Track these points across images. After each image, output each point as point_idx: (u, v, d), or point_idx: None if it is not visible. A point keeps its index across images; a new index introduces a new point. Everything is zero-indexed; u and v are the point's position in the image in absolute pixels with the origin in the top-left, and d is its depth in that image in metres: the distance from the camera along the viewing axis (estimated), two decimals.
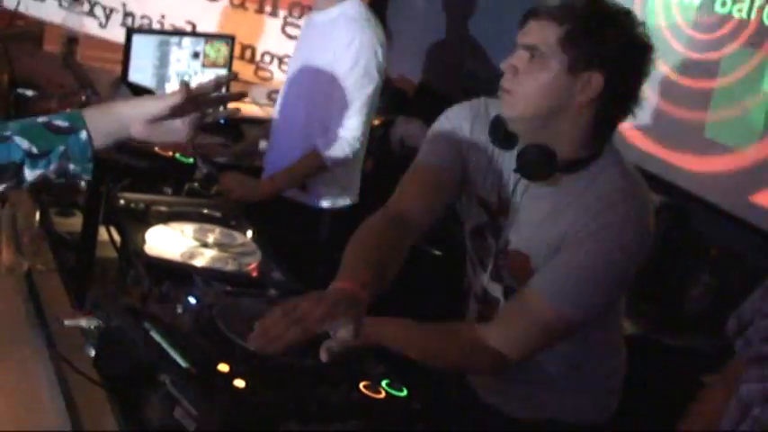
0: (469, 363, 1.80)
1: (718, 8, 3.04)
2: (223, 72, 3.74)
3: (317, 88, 2.95)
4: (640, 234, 1.70)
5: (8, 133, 1.37)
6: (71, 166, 1.40)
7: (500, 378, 1.90)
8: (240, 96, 1.73)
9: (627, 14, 1.68)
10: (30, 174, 1.37)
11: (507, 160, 1.79)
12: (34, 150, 1.37)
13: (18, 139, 1.37)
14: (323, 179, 3.00)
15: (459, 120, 1.87)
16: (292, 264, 2.04)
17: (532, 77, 1.66)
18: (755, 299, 1.42)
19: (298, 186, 3.01)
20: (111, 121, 1.46)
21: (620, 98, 1.70)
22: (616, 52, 1.65)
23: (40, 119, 1.40)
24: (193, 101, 1.51)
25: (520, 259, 1.77)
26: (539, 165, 1.70)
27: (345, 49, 2.85)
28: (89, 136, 1.40)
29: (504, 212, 1.81)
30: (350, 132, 2.90)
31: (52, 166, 1.38)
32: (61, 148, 1.38)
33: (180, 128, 1.51)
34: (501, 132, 1.76)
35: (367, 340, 1.53)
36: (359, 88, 2.88)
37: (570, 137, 1.71)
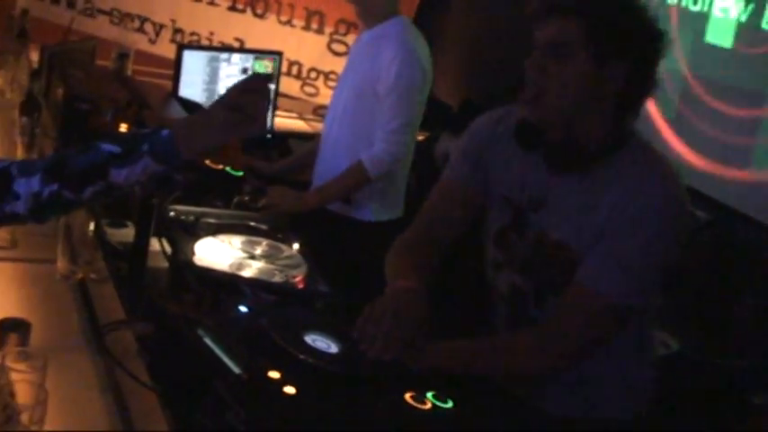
0: (533, 369, 1.82)
1: (765, 25, 3.02)
2: (271, 87, 3.78)
3: (362, 104, 2.99)
4: (679, 212, 1.72)
5: (94, 142, 1.42)
6: (157, 167, 1.41)
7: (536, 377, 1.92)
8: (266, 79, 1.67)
9: (638, 1, 1.71)
10: (117, 174, 1.39)
11: (533, 157, 1.82)
12: (118, 150, 1.40)
13: (102, 144, 1.41)
14: (368, 192, 3.03)
15: (479, 130, 1.94)
16: (338, 276, 2.06)
17: (561, 74, 1.68)
18: None
19: (343, 199, 3.04)
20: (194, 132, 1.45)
21: (644, 84, 1.73)
22: (638, 41, 1.68)
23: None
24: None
25: (562, 251, 1.78)
26: (569, 155, 1.73)
27: (389, 66, 2.89)
28: (171, 134, 1.41)
29: (533, 208, 1.83)
30: (393, 147, 2.93)
31: (139, 166, 1.40)
32: (145, 146, 1.40)
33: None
34: (527, 134, 1.79)
35: (425, 365, 1.58)
36: (402, 104, 2.91)
37: (598, 126, 1.73)
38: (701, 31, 3.32)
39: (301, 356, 1.34)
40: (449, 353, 1.69)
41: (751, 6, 3.09)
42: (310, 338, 1.42)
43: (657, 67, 1.73)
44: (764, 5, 3.02)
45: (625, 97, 1.73)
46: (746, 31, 3.11)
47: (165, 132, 1.42)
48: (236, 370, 1.26)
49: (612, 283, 1.69)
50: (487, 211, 1.96)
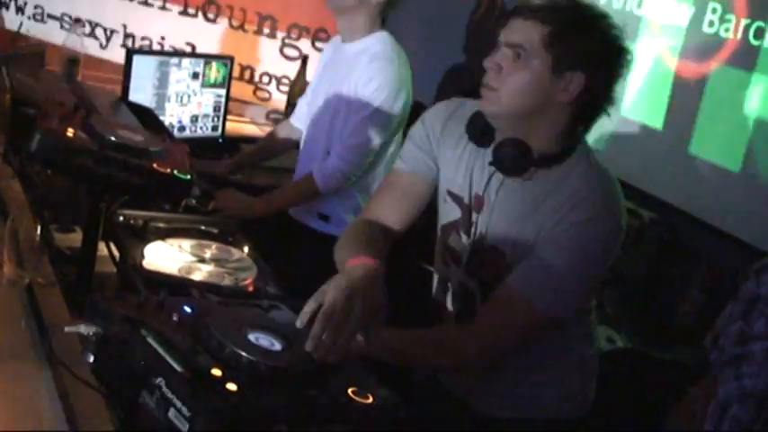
0: (450, 364, 1.86)
1: (705, 28, 3.10)
2: (222, 92, 3.79)
3: (335, 115, 2.96)
4: (613, 228, 1.77)
5: None
6: None
7: (473, 376, 1.95)
8: None
9: (606, 18, 1.75)
10: None
11: (482, 156, 1.85)
12: None
13: None
14: (345, 208, 3.02)
15: (431, 121, 1.96)
16: (289, 279, 2.07)
17: (516, 75, 1.72)
18: (728, 309, 1.46)
19: (291, 207, 3.06)
20: None
21: (598, 98, 1.77)
22: (598, 55, 1.72)
23: None
24: None
25: (495, 255, 1.82)
26: (514, 159, 1.76)
27: (363, 87, 2.85)
28: None
29: (478, 208, 1.86)
30: (345, 165, 2.91)
31: None
32: None
33: None
34: (478, 129, 1.82)
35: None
36: (367, 124, 2.87)
37: (546, 133, 1.77)
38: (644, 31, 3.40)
39: (243, 353, 1.36)
40: (378, 341, 1.71)
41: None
42: (254, 336, 1.45)
43: (616, 83, 1.76)
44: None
45: (580, 109, 1.76)
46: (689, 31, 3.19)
47: None
48: (179, 368, 1.28)
49: (537, 292, 1.74)
50: (437, 206, 1.99)
